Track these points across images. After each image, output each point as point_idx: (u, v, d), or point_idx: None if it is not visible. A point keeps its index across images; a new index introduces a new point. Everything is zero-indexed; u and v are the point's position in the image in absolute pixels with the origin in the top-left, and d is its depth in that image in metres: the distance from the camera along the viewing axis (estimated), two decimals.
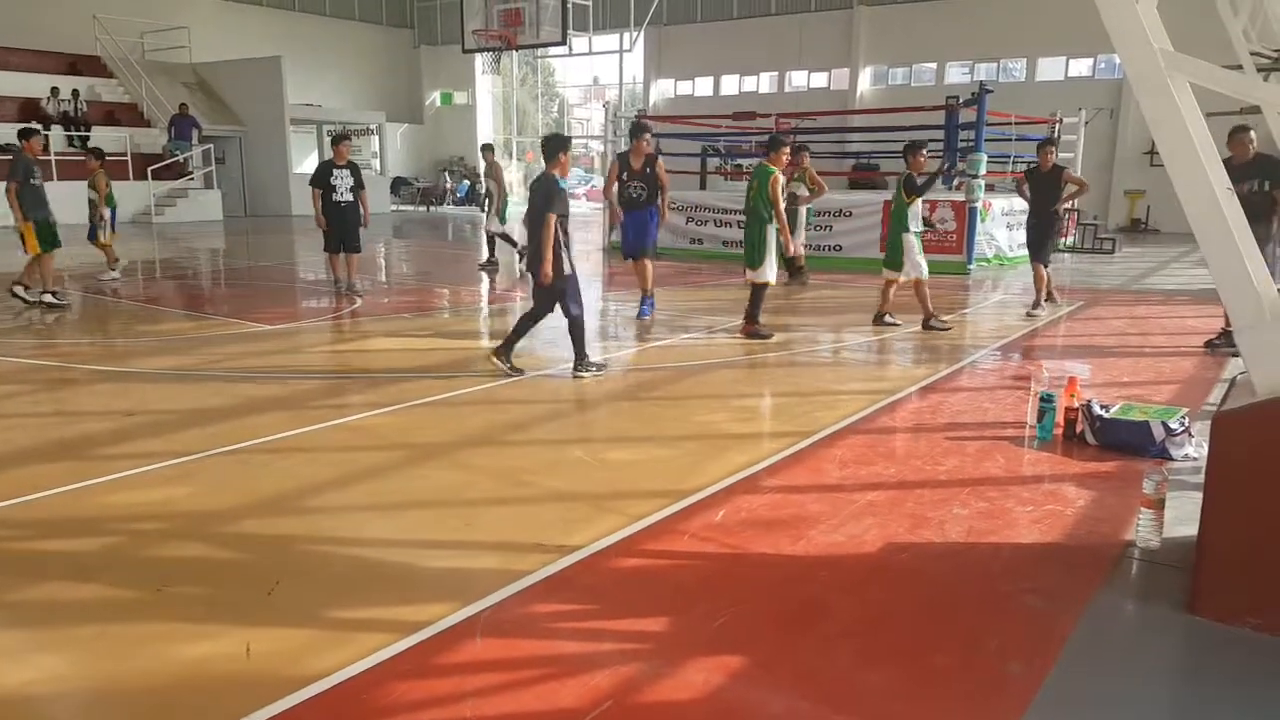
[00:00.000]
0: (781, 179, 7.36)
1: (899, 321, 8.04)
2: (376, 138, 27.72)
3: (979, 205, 12.30)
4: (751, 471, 4.17)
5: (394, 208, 27.83)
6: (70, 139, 20.59)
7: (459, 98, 33.54)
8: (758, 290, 7.50)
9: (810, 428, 4.87)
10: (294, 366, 6.45)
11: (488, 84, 33.65)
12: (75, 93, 21.12)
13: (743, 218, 13.48)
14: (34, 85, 20.85)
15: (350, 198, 9.70)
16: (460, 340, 7.90)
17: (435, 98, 33.78)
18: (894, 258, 7.92)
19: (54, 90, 20.75)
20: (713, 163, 18.42)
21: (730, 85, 28.65)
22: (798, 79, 27.78)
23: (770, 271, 7.39)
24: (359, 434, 4.84)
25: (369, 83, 31.09)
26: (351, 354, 6.94)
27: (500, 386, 5.89)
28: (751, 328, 7.50)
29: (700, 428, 5.01)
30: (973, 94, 12.69)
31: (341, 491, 3.98)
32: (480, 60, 30.40)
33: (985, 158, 12.20)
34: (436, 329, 8.42)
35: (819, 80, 27.30)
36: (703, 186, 16.75)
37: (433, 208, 29.61)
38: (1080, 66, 23.38)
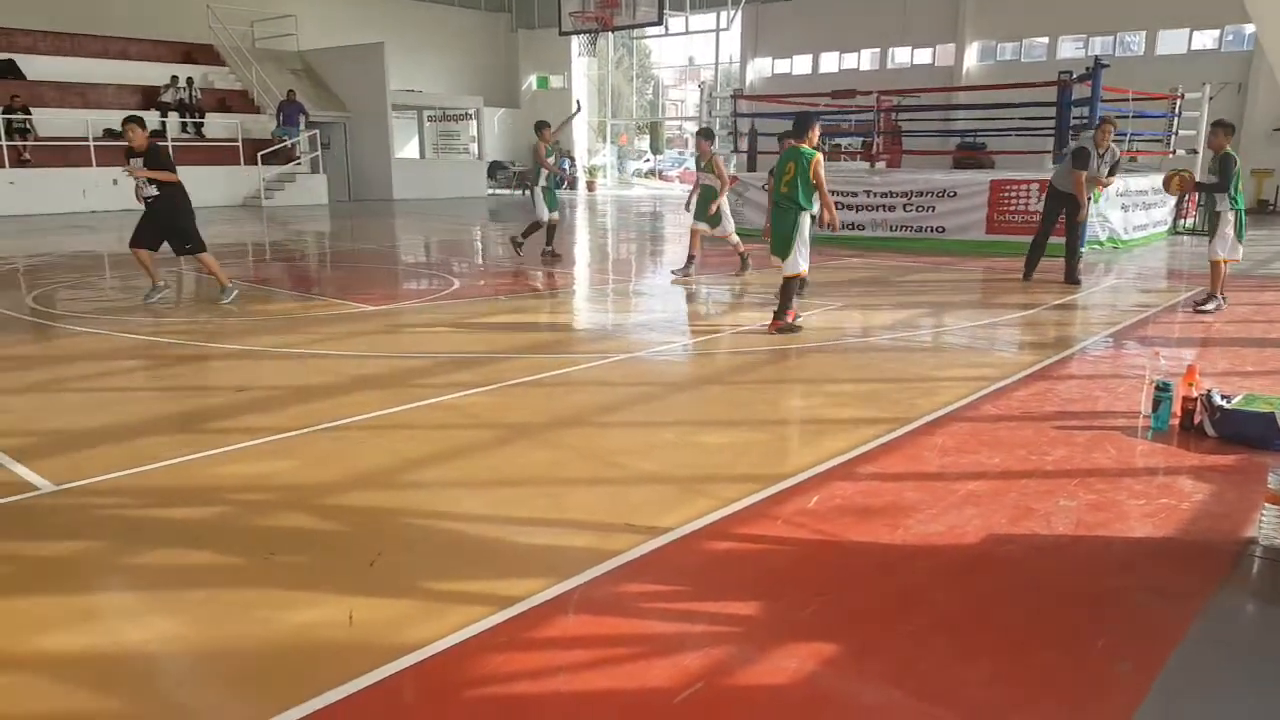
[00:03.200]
0: (822, 160, 6.75)
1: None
2: (475, 122, 28.19)
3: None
4: (847, 458, 4.07)
5: (490, 191, 28.31)
6: (184, 125, 21.66)
7: (555, 81, 33.84)
8: (789, 283, 6.80)
9: (909, 414, 4.73)
10: (394, 346, 6.64)
11: (583, 66, 33.82)
12: (190, 80, 22.17)
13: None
14: (152, 74, 22.00)
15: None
16: (553, 321, 7.99)
17: (531, 81, 34.17)
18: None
19: (173, 79, 21.83)
20: None
21: (829, 63, 28.05)
22: (900, 56, 26.99)
23: (803, 261, 6.77)
24: (454, 412, 4.94)
25: (467, 67, 31.68)
26: (448, 334, 7.10)
27: (593, 368, 5.93)
28: (781, 324, 6.82)
29: (794, 412, 4.93)
30: (1087, 69, 12.08)
31: (437, 468, 4.07)
32: (576, 43, 30.54)
33: None
34: (530, 310, 8.52)
35: (923, 57, 26.45)
36: None
37: (527, 191, 29.98)
38: (1204, 39, 21.98)
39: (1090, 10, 22.70)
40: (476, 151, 28.43)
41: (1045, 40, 24.28)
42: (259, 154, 21.55)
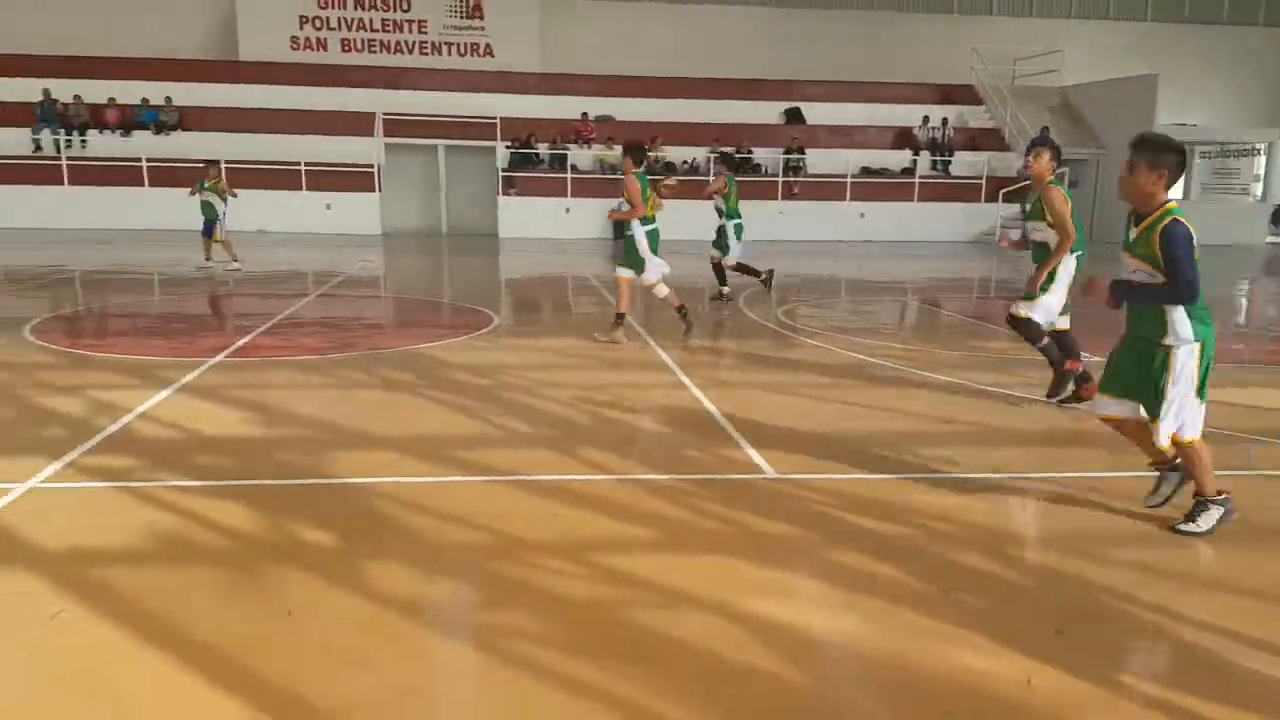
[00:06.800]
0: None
1: None
2: (1263, 159, 23.70)
3: None
4: None
5: (1270, 239, 23.43)
6: (934, 163, 22.99)
7: None
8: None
9: None
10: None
11: None
12: (944, 120, 23.46)
13: None
14: (912, 116, 23.86)
15: None
16: None
17: None
18: None
19: (925, 119, 23.44)
20: None
21: None
22: None
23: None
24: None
25: (1265, 96, 26.86)
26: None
27: None
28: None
29: None
30: None
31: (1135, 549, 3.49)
32: None
33: None
34: None
35: None
36: None
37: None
38: None
39: None
40: (1260, 192, 23.91)
41: None
42: (1000, 191, 21.70)
